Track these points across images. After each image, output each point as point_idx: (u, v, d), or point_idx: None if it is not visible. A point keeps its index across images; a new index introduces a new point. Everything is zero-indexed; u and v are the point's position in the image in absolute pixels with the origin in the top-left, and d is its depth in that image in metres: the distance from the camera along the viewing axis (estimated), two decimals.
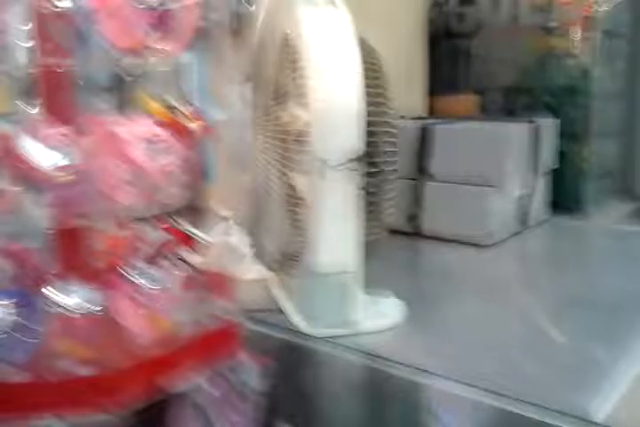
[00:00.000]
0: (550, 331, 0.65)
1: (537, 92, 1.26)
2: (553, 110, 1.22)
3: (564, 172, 1.18)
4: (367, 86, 0.61)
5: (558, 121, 1.15)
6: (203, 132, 0.58)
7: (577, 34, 1.23)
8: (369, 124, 0.61)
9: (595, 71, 1.20)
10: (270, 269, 0.72)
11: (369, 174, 0.62)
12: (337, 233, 0.61)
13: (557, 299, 0.74)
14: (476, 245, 0.95)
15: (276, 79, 0.68)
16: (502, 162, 0.94)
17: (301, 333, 0.63)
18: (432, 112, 1.33)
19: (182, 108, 0.56)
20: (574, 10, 1.23)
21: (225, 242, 0.87)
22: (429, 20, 1.40)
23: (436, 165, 1.01)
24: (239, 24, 0.62)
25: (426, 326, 0.66)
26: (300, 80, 0.60)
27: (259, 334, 0.64)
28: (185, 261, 0.53)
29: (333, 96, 0.59)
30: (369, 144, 0.62)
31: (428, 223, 1.01)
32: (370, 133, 0.62)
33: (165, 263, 0.52)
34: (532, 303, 0.73)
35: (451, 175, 0.99)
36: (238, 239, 0.84)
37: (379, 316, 0.65)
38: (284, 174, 0.65)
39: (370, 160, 0.62)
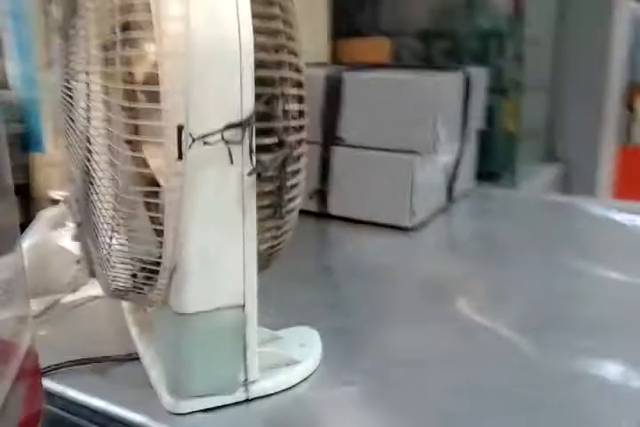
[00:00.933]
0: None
1: (458, 37, 1.06)
2: (478, 58, 1.02)
3: (490, 132, 0.99)
4: (255, 2, 0.37)
5: (487, 71, 0.95)
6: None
7: None
8: (259, 65, 0.37)
9: (527, 12, 1.01)
10: (117, 290, 0.47)
11: (262, 149, 0.38)
12: (216, 247, 0.37)
13: (527, 315, 0.55)
14: (397, 228, 0.75)
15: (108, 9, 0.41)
16: (432, 122, 0.73)
17: (162, 410, 0.40)
18: (336, 59, 1.09)
19: None
20: None
21: (50, 238, 0.61)
22: None
23: (345, 125, 0.78)
24: None
25: (354, 373, 0.45)
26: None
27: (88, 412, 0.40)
28: None
29: (199, 17, 0.34)
30: (260, 100, 0.38)
31: (337, 201, 0.79)
32: (262, 82, 0.38)
33: None
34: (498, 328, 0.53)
35: (365, 139, 0.76)
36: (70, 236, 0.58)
37: (282, 364, 0.43)
38: (131, 144, 0.39)
39: (263, 126, 0.38)
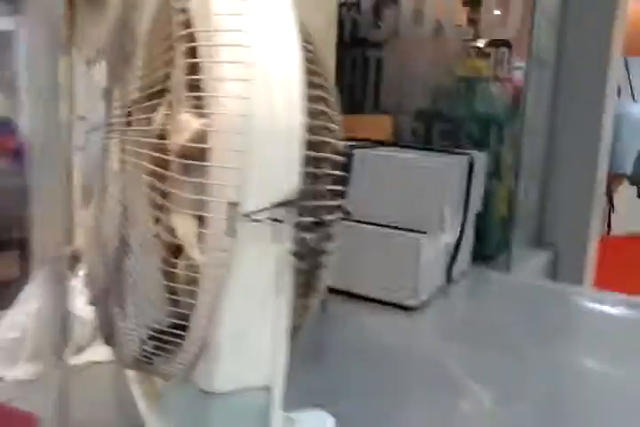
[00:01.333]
0: None
1: (457, 120, 1.09)
2: (476, 142, 1.06)
3: (485, 215, 1.01)
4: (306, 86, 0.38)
5: (485, 155, 0.98)
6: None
7: (507, 56, 1.08)
8: (306, 146, 0.38)
9: (527, 101, 1.05)
10: (127, 359, 0.45)
11: (304, 228, 0.38)
12: (250, 326, 0.36)
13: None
14: (398, 306, 0.74)
15: (150, 61, 0.41)
16: (440, 203, 0.74)
17: None
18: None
19: None
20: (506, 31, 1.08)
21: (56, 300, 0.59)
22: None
23: (351, 201, 0.78)
24: None
25: None
26: (196, 68, 0.35)
27: None
28: None
29: (255, 97, 0.34)
30: (306, 179, 0.38)
31: (338, 275, 0.78)
32: (307, 162, 0.38)
33: None
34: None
35: (371, 215, 0.77)
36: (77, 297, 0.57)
37: None
38: (158, 217, 0.39)
39: (307, 204, 0.38)
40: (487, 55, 1.10)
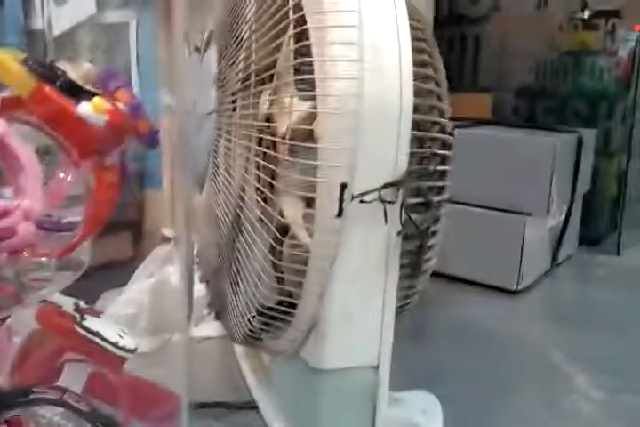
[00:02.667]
0: None
1: (563, 96, 1.04)
2: (583, 119, 1.00)
3: (593, 195, 0.96)
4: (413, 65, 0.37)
5: (594, 133, 0.93)
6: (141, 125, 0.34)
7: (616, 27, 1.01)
8: (414, 126, 0.37)
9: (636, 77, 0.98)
10: (237, 335, 0.46)
11: (411, 209, 0.38)
12: (358, 305, 0.37)
13: None
14: (501, 290, 0.72)
15: (257, 48, 0.42)
16: (547, 184, 0.71)
17: None
18: None
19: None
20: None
21: (166, 278, 0.62)
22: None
23: (452, 182, 0.77)
24: None
25: None
26: (303, 53, 0.35)
27: None
28: None
29: (366, 77, 0.34)
30: (414, 159, 0.38)
31: (441, 260, 0.77)
32: (417, 142, 0.38)
33: None
34: None
35: (473, 197, 0.75)
36: (182, 275, 0.59)
37: None
38: (265, 197, 0.40)
39: (415, 185, 0.38)
40: (595, 27, 1.04)
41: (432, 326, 0.65)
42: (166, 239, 0.71)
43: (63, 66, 0.35)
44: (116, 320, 0.56)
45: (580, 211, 0.91)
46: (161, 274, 0.58)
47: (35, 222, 0.32)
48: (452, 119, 1.01)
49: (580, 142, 0.81)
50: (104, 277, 0.55)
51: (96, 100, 0.32)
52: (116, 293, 0.62)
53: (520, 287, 0.70)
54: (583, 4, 1.05)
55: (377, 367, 0.38)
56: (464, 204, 0.75)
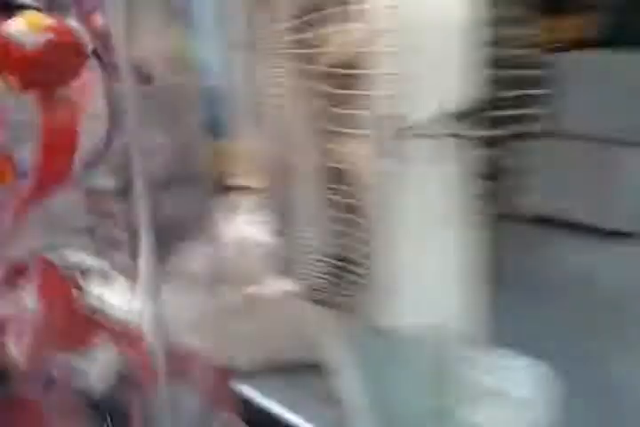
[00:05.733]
0: None
1: None
2: None
3: None
4: None
5: None
6: None
7: None
8: (489, 44, 0.31)
9: None
10: (307, 292, 0.42)
11: (488, 144, 0.32)
12: (428, 258, 0.32)
13: None
14: (612, 233, 0.64)
15: None
16: None
17: None
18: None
19: None
20: None
21: (246, 231, 0.58)
22: None
23: (556, 113, 0.68)
24: None
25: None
26: None
27: None
28: None
29: None
30: (494, 86, 0.31)
31: (542, 202, 0.70)
32: (498, 65, 0.31)
33: None
34: None
35: (580, 128, 0.66)
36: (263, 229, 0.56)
37: (505, 402, 0.36)
38: (324, 140, 0.35)
39: (493, 115, 0.32)
40: None
41: (535, 277, 0.58)
42: (238, 189, 0.68)
43: None
44: (193, 276, 0.55)
45: None
46: (238, 227, 0.56)
47: None
48: (551, 43, 0.89)
49: None
50: (180, 231, 0.53)
51: (30, 14, 0.26)
52: (193, 246, 0.60)
53: (633, 229, 0.62)
54: None
55: (450, 326, 0.33)
56: (572, 137, 0.67)
